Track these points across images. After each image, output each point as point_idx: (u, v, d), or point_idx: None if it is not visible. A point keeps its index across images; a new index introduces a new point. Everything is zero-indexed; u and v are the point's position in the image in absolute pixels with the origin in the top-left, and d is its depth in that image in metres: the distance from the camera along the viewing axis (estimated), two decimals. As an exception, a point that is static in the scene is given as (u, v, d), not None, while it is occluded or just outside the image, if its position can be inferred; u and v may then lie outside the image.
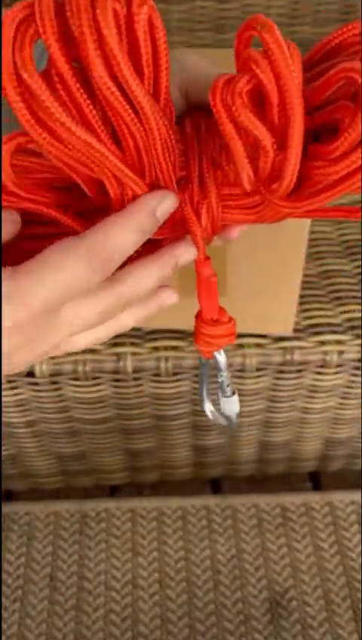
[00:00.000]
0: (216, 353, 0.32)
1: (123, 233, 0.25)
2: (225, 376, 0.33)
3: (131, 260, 0.27)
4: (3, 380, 0.65)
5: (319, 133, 0.26)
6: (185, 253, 0.29)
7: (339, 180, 0.25)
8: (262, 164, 0.26)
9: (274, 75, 0.23)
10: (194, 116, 0.29)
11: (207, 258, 0.29)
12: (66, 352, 0.30)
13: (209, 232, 0.28)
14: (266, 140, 0.25)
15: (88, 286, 0.25)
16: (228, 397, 0.34)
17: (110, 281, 0.26)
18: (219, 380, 0.33)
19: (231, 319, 0.30)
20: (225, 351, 0.32)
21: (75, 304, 0.26)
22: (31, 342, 0.25)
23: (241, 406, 0.72)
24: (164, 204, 0.27)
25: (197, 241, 0.28)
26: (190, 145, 0.28)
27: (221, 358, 0.33)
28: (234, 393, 0.34)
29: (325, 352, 0.64)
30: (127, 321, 0.30)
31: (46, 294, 0.24)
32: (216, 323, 0.30)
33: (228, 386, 0.34)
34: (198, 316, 0.30)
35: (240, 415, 0.35)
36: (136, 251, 0.27)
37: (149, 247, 0.28)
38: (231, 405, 0.35)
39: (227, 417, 0.35)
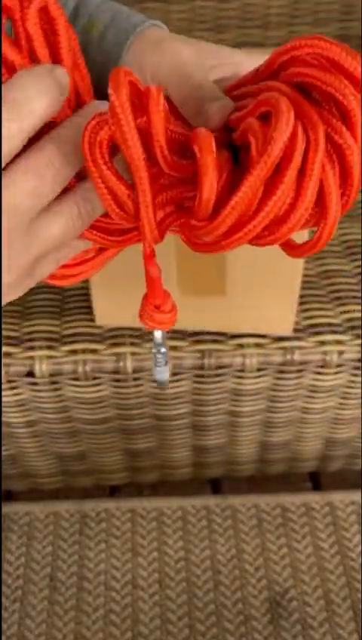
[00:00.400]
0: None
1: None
2: (158, 349, 0.38)
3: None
4: (3, 380, 0.65)
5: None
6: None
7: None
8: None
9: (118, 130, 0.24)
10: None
11: (153, 254, 0.30)
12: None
13: (155, 234, 0.30)
14: (120, 191, 0.26)
15: None
16: (159, 367, 0.39)
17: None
18: (153, 350, 0.38)
19: (172, 310, 0.32)
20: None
21: None
22: None
23: (241, 406, 0.73)
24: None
25: (144, 233, 0.29)
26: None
27: (157, 334, 0.37)
28: (166, 364, 0.39)
29: (325, 352, 0.64)
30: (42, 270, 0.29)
31: None
32: (156, 309, 0.32)
33: (159, 357, 0.39)
34: (145, 295, 0.32)
35: (167, 383, 0.41)
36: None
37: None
38: (161, 374, 0.40)
39: (157, 381, 0.40)
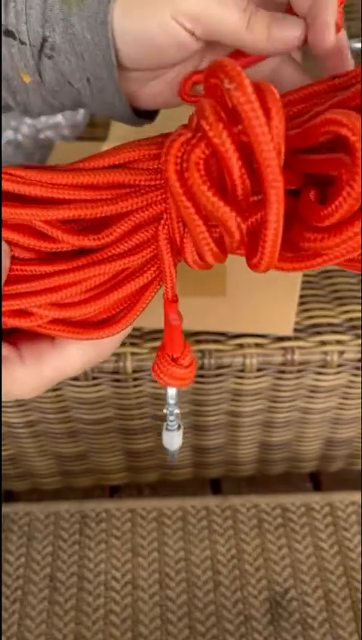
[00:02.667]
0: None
1: None
2: (170, 410, 0.32)
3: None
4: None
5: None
6: None
7: (334, 250, 0.21)
8: (228, 244, 0.23)
9: (235, 141, 0.19)
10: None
11: (175, 300, 0.27)
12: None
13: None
14: (230, 221, 0.21)
15: None
16: (169, 430, 0.34)
17: None
18: (165, 410, 0.32)
19: (191, 364, 0.28)
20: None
21: None
22: None
23: (242, 406, 0.72)
24: None
25: (166, 277, 0.26)
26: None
27: (171, 392, 0.32)
28: (179, 428, 0.34)
29: (325, 352, 0.64)
30: None
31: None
32: (173, 362, 0.28)
33: (172, 420, 0.33)
34: (162, 345, 0.29)
35: (178, 452, 0.34)
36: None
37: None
38: (171, 439, 0.34)
39: (167, 450, 0.34)
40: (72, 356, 0.28)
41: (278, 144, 0.19)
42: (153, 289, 0.27)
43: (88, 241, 0.25)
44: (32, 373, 0.27)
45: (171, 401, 0.32)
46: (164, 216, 0.25)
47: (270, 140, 0.19)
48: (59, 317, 0.26)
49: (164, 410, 0.32)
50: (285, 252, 0.23)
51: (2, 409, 0.69)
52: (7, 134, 0.83)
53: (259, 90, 0.19)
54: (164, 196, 0.24)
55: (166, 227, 0.25)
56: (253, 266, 0.23)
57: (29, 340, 0.27)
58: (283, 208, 0.20)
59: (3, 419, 0.71)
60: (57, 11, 0.28)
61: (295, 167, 0.22)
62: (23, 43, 0.29)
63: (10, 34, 0.28)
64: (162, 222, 0.25)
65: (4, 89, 0.31)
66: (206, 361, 0.64)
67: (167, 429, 0.34)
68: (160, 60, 0.29)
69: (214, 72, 0.20)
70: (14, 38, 0.29)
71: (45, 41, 0.28)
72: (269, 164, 0.19)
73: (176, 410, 0.32)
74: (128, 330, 0.29)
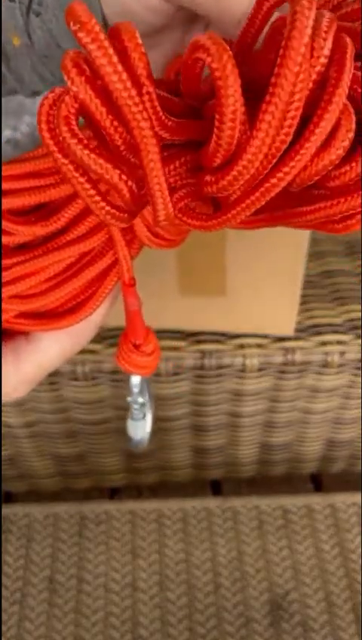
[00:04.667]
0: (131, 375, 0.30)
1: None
2: (133, 399, 0.31)
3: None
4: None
5: None
6: None
7: (229, 190, 0.19)
8: (123, 203, 0.21)
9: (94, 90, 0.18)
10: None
11: (132, 284, 0.26)
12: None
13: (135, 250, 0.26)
14: (111, 174, 0.19)
15: None
16: (134, 420, 0.33)
17: None
18: (128, 399, 0.31)
19: (153, 352, 0.27)
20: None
21: None
22: None
23: (242, 407, 0.72)
24: None
25: (120, 260, 0.25)
26: None
27: (134, 380, 0.31)
28: (144, 417, 0.32)
29: (326, 353, 0.64)
30: None
31: None
32: (135, 349, 0.28)
33: (136, 409, 0.32)
34: (124, 332, 0.28)
35: (144, 441, 0.33)
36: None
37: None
38: (135, 429, 0.33)
39: (131, 440, 0.33)
40: (48, 348, 0.28)
41: (140, 84, 0.18)
42: (115, 274, 0.27)
43: (38, 229, 0.25)
44: (12, 371, 0.27)
45: (135, 390, 0.31)
46: None
47: (121, 80, 0.17)
48: (23, 310, 0.26)
49: (128, 399, 0.31)
50: (195, 202, 0.22)
51: (1, 410, 0.69)
52: (6, 133, 0.82)
53: (115, 30, 0.18)
54: None
55: None
56: (155, 223, 0.21)
57: (7, 338, 0.27)
58: (158, 153, 0.19)
59: (2, 419, 0.71)
60: None
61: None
62: (12, 0, 0.28)
63: None
64: None
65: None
66: (206, 361, 0.63)
67: (131, 419, 0.33)
68: (139, 27, 0.28)
69: (67, 17, 0.18)
70: None
71: None
72: (128, 107, 0.18)
73: (141, 399, 0.31)
74: (104, 317, 0.28)
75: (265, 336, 0.65)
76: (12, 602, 0.77)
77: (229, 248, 0.56)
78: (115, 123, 0.19)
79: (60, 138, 0.19)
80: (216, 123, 0.18)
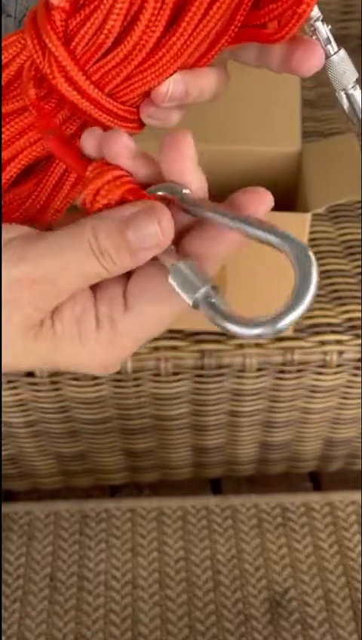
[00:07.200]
0: None
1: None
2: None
3: None
4: (3, 380, 0.65)
5: None
6: None
7: None
8: None
9: None
10: None
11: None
12: None
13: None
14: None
15: None
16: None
17: None
18: None
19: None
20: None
21: None
22: None
23: (241, 406, 0.72)
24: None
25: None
26: None
27: None
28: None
29: (325, 352, 0.64)
30: None
31: None
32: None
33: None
34: None
35: None
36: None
37: None
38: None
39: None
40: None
41: None
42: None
43: None
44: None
45: None
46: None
47: None
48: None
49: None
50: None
51: (2, 409, 0.69)
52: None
53: None
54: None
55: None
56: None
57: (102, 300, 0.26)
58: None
59: (3, 418, 0.71)
60: None
61: None
62: (9, 15, 0.30)
63: None
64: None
65: None
66: (206, 361, 0.64)
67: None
68: None
69: None
70: (2, 10, 0.30)
71: (27, 10, 0.29)
72: None
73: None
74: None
75: (264, 336, 0.65)
76: (13, 600, 0.77)
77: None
78: None
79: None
80: None
